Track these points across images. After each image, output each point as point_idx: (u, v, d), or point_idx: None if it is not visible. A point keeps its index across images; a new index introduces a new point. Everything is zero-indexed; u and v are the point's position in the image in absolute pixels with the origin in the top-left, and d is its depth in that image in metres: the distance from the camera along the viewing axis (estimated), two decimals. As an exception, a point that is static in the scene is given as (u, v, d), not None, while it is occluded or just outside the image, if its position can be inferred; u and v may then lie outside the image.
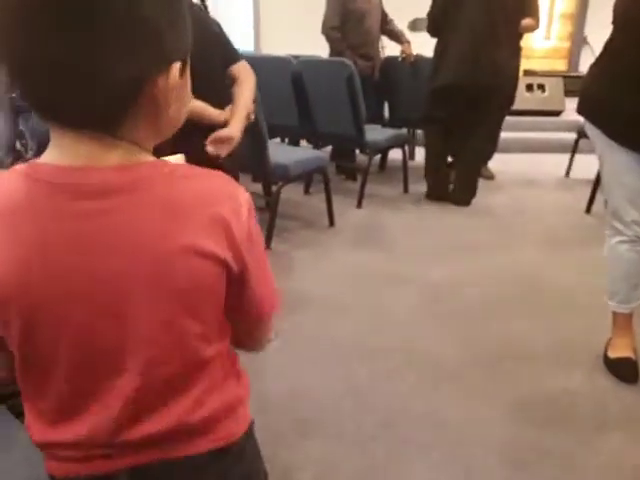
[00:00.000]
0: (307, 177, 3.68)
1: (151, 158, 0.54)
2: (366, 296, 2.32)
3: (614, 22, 1.56)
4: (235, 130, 1.69)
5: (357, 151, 4.04)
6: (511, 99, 3.82)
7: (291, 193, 3.58)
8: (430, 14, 3.37)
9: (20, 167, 0.52)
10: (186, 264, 0.52)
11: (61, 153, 0.51)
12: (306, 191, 3.77)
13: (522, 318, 2.14)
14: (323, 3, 3.79)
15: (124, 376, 0.55)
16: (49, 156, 0.52)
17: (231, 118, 1.71)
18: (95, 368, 0.55)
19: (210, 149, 1.62)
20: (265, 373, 1.80)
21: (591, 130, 1.68)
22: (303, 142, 4.12)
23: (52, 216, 0.50)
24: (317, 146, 3.78)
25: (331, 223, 3.14)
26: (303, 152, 3.24)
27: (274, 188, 2.87)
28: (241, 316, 0.63)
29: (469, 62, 3.19)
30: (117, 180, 0.51)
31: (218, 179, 0.57)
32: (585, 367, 1.81)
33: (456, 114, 3.38)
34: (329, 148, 4.07)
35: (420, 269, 2.57)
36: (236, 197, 0.57)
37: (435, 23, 3.35)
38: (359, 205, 3.47)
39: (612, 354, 1.78)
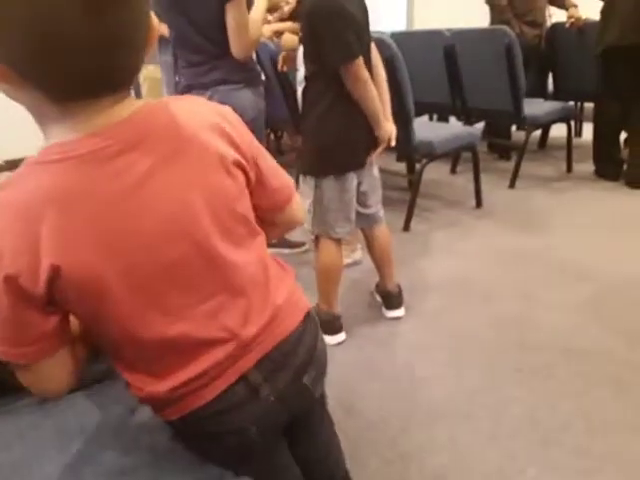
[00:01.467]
0: (455, 155, 3.50)
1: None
2: (514, 284, 2.12)
3: None
4: (392, 135, 1.66)
5: (513, 128, 3.74)
6: None
7: (436, 173, 3.44)
8: None
9: (35, 158, 0.53)
10: (215, 173, 0.59)
11: (74, 126, 0.53)
12: (452, 170, 3.59)
13: None
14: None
15: (215, 289, 0.62)
16: (61, 135, 0.53)
17: (385, 119, 1.64)
18: (191, 292, 0.60)
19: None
20: (397, 358, 1.75)
21: None
22: (453, 120, 3.92)
23: (94, 187, 0.53)
24: (468, 123, 3.56)
25: (478, 204, 2.94)
26: (451, 128, 3.07)
27: (418, 167, 2.76)
28: (270, 210, 0.73)
29: (638, 18, 2.73)
30: (133, 130, 0.55)
31: (200, 100, 0.65)
32: None
33: (629, 80, 2.92)
34: (480, 125, 3.81)
35: (581, 258, 2.28)
36: (220, 108, 0.64)
37: None
38: (512, 185, 3.20)
39: None
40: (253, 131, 0.67)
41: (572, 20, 3.42)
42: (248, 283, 0.64)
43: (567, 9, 3.50)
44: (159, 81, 3.75)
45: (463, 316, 1.92)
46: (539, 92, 3.67)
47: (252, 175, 0.65)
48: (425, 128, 2.79)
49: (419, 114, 3.48)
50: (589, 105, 3.69)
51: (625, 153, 3.21)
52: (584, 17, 3.42)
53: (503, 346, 1.74)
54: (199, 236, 0.58)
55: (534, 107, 3.21)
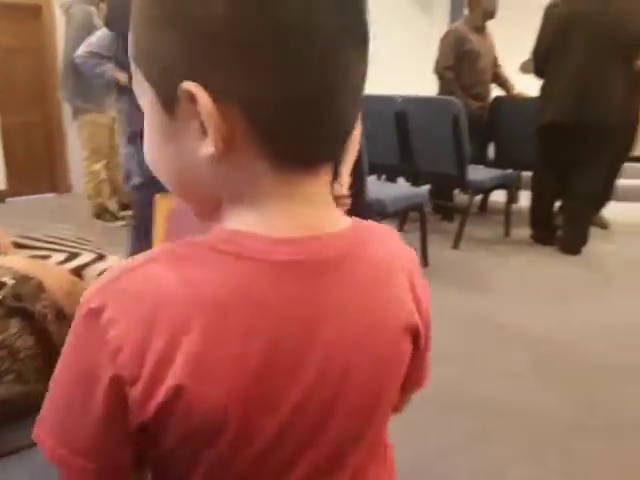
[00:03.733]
0: (402, 214, 3.61)
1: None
2: (459, 343, 2.16)
3: None
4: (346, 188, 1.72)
5: (456, 191, 3.93)
6: (629, 143, 3.55)
7: (385, 230, 3.52)
8: (535, 53, 3.26)
9: (211, 240, 0.39)
10: (403, 339, 0.45)
11: (274, 218, 0.39)
12: (400, 229, 3.69)
13: (636, 383, 1.89)
14: (430, 45, 3.79)
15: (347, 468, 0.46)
16: (253, 224, 0.39)
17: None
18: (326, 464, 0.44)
19: None
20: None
21: None
22: (401, 180, 4.07)
23: (274, 308, 0.39)
24: (415, 184, 3.71)
25: (425, 263, 3.02)
26: (401, 188, 3.18)
27: (368, 223, 2.82)
28: (409, 390, 0.54)
29: (574, 99, 3.02)
30: (345, 249, 0.41)
31: (398, 239, 0.49)
32: None
33: (565, 154, 3.17)
34: (426, 187, 3.98)
35: (521, 319, 2.37)
36: (410, 251, 0.50)
37: (541, 62, 3.23)
38: (455, 246, 3.33)
39: None
40: None
41: (515, 93, 3.86)
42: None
43: (507, 91, 3.94)
44: (101, 127, 3.73)
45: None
46: (481, 160, 3.91)
47: (421, 346, 0.49)
48: (376, 187, 2.88)
49: (369, 173, 3.60)
50: (526, 173, 3.95)
51: (559, 220, 3.44)
52: (524, 93, 3.80)
53: (448, 410, 1.75)
54: (345, 421, 0.43)
55: (478, 173, 3.41)
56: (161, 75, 0.37)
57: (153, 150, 0.41)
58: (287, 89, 0.36)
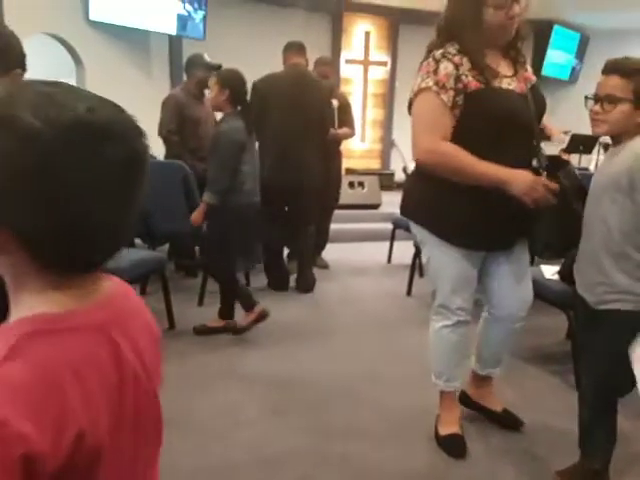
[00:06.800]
0: (143, 278, 3.53)
1: None
2: (212, 402, 2.23)
3: None
4: None
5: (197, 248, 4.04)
6: (335, 197, 4.27)
7: (126, 295, 3.39)
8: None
9: (38, 325, 0.51)
10: None
11: (70, 297, 0.55)
12: (142, 292, 3.59)
13: (363, 404, 2.25)
14: (155, 107, 3.86)
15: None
16: (52, 303, 0.53)
17: None
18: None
19: None
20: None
21: (418, 230, 1.85)
22: (139, 242, 3.98)
23: (103, 357, 0.56)
24: (153, 245, 3.68)
25: (171, 325, 3.01)
26: (138, 253, 3.12)
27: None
28: None
29: (276, 167, 3.50)
30: (119, 309, 0.64)
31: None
32: (424, 446, 1.93)
33: (281, 210, 3.62)
34: (165, 247, 3.99)
35: (263, 365, 2.58)
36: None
37: (255, 127, 3.66)
38: (200, 303, 3.41)
39: (442, 431, 1.93)
40: None
41: None
42: None
43: None
44: None
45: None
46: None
47: None
48: (111, 254, 2.76)
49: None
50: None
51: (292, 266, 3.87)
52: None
53: (204, 470, 1.78)
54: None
55: (212, 230, 3.57)
56: None
57: None
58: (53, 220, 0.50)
